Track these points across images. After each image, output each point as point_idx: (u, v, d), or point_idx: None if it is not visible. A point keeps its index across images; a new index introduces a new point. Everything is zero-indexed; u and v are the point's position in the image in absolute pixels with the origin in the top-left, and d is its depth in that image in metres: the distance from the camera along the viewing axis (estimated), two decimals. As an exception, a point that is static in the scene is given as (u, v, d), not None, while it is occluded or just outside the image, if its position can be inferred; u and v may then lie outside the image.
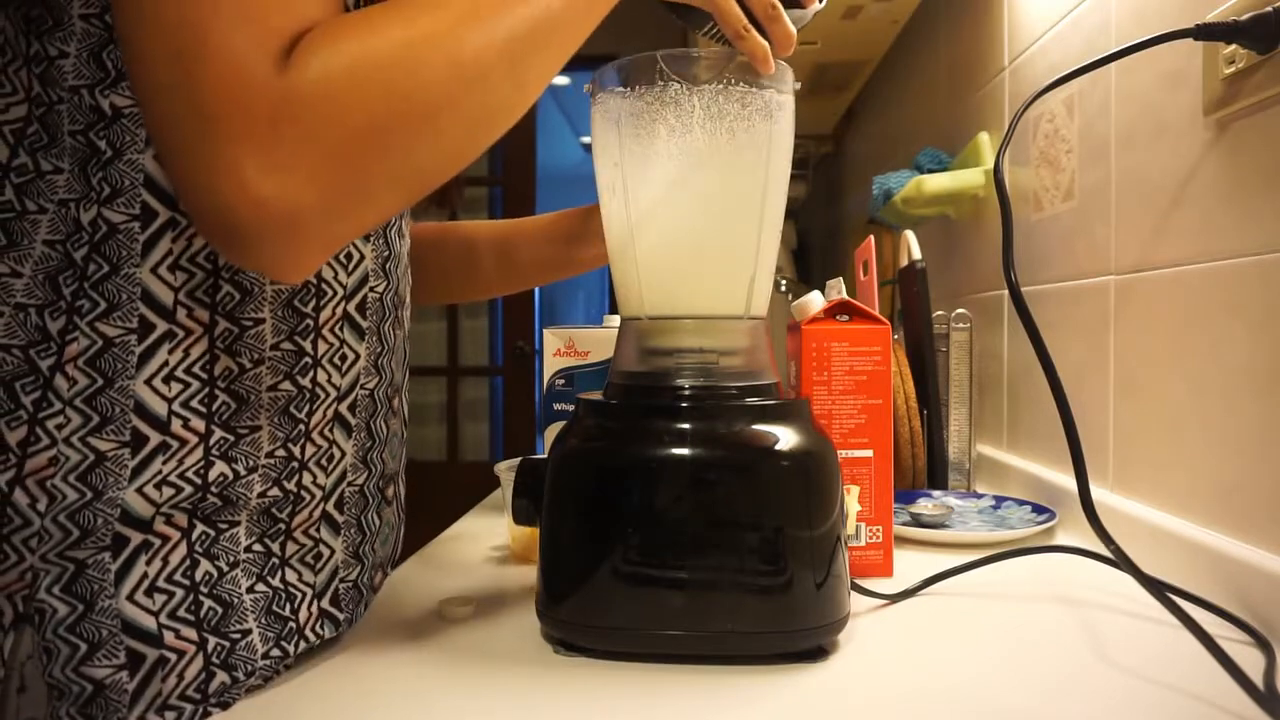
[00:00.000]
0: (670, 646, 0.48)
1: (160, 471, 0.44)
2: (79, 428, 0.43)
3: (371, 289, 0.53)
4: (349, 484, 0.53)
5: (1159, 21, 0.68)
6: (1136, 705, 0.43)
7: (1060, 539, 0.76)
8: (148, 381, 0.44)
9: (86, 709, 0.42)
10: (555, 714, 0.42)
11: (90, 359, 0.43)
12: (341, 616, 0.52)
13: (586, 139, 5.33)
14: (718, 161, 0.52)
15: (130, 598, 0.43)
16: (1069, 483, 0.80)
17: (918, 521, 0.79)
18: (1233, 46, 0.58)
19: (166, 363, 0.45)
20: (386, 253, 0.54)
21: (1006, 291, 0.82)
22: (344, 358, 0.52)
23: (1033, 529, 0.76)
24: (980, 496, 0.89)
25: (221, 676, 0.45)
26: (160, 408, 0.44)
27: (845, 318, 0.66)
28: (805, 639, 0.48)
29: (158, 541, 0.44)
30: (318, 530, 0.51)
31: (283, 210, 0.37)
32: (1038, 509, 0.81)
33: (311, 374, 0.50)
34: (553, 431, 0.84)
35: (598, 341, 0.85)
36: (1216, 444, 0.61)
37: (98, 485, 0.43)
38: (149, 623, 0.43)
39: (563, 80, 4.27)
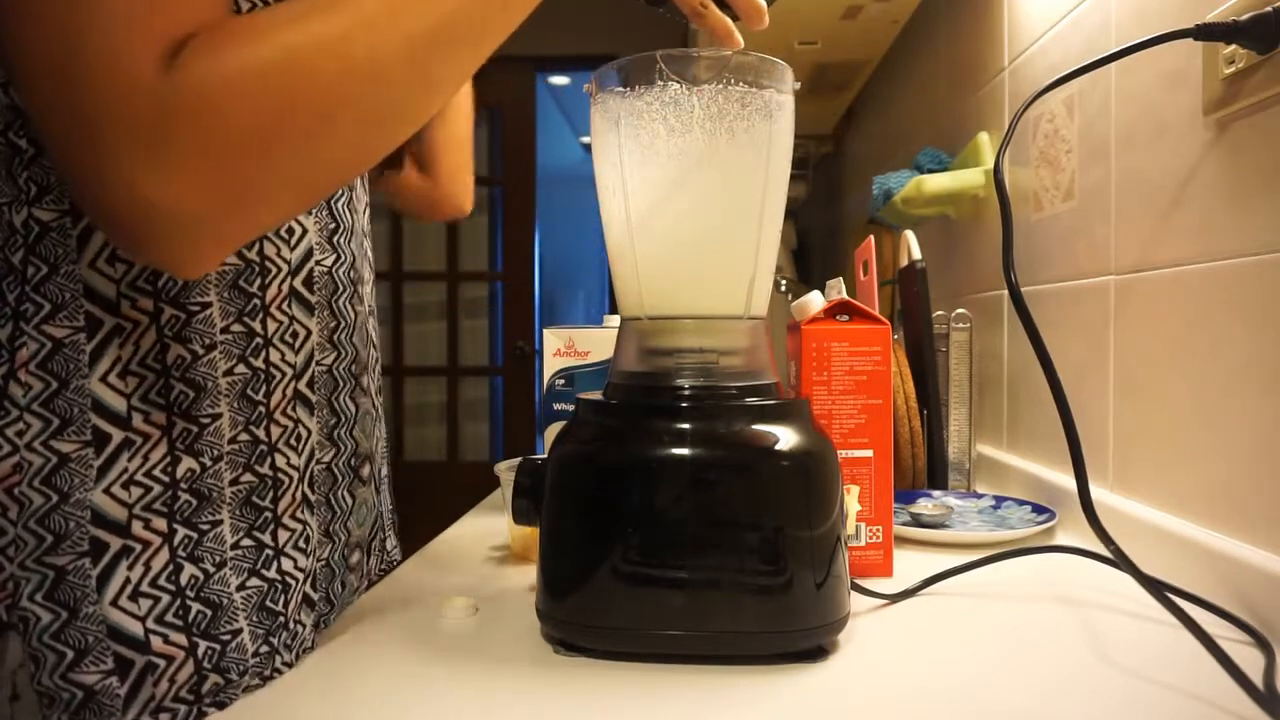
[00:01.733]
0: (670, 646, 0.48)
1: (126, 469, 0.44)
2: (39, 432, 0.43)
3: (318, 263, 0.53)
4: (317, 462, 0.54)
5: (1159, 21, 0.68)
6: (1136, 705, 0.43)
7: (1060, 539, 0.76)
8: (103, 379, 0.44)
9: (79, 715, 0.42)
10: (555, 714, 0.42)
11: (41, 362, 0.43)
12: (316, 596, 0.53)
13: (586, 139, 5.33)
14: (718, 161, 0.52)
15: (114, 603, 0.43)
16: (1069, 483, 0.80)
17: (918, 521, 0.79)
18: (1233, 46, 0.58)
19: (119, 358, 0.45)
20: (333, 225, 0.54)
21: (1006, 291, 0.82)
22: (295, 334, 0.52)
23: (1033, 529, 0.76)
24: (980, 496, 0.89)
25: (214, 679, 0.45)
26: (119, 404, 0.44)
27: (845, 318, 0.66)
28: (805, 639, 0.48)
29: (138, 547, 0.44)
30: (302, 513, 0.51)
31: (170, 212, 0.37)
32: (1038, 509, 0.81)
33: (264, 354, 0.50)
34: (553, 431, 0.84)
35: (598, 341, 0.85)
36: (1217, 444, 0.61)
37: (62, 488, 0.43)
38: (135, 628, 0.43)
39: (563, 80, 4.27)
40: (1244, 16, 0.56)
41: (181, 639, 0.45)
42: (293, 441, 0.51)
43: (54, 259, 0.43)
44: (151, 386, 0.45)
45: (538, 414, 3.18)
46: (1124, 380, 0.74)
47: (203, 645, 0.45)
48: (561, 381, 0.86)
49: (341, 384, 0.56)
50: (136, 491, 0.45)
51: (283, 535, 0.50)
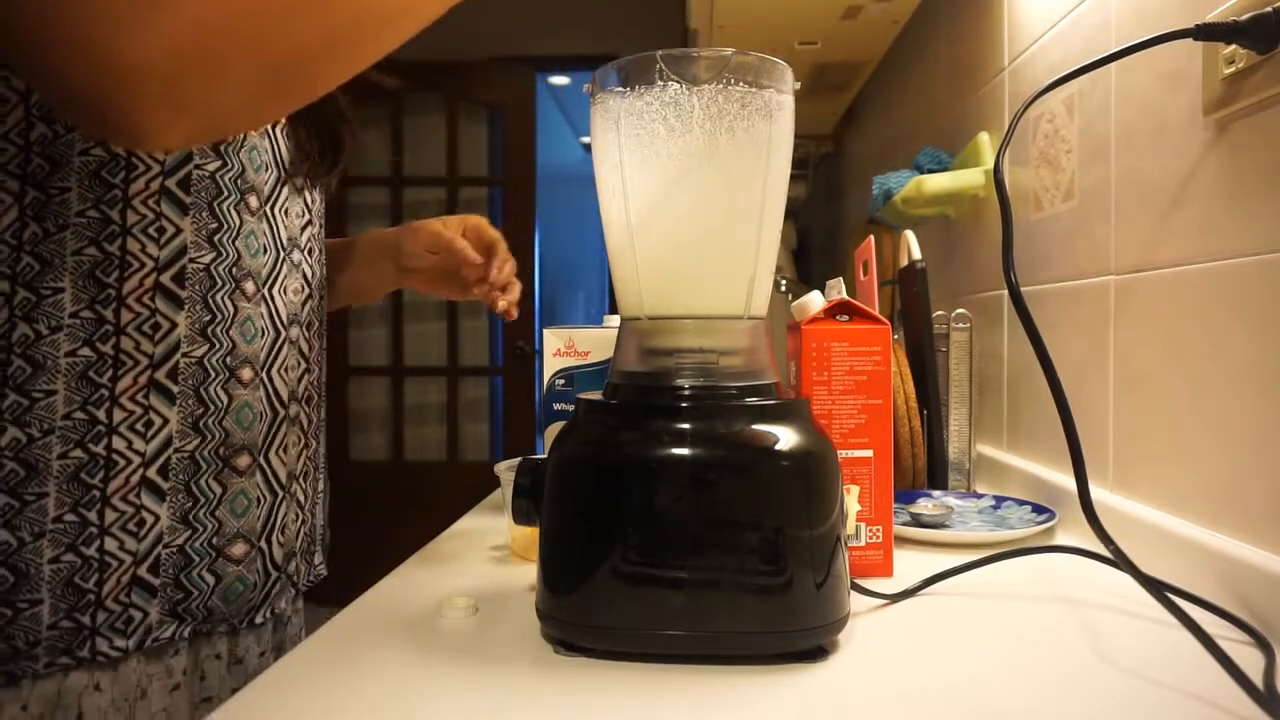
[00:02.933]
0: (670, 646, 0.48)
1: None
2: None
3: (192, 260, 0.55)
4: (175, 450, 0.55)
5: (1159, 21, 0.68)
6: (1136, 705, 0.43)
7: (1060, 539, 0.76)
8: None
9: None
10: (555, 714, 0.42)
11: None
12: (157, 582, 0.54)
13: (586, 139, 5.34)
14: (717, 162, 0.52)
15: None
16: (1069, 483, 0.80)
17: (918, 521, 0.79)
18: (1233, 46, 0.58)
19: None
20: (214, 225, 0.57)
21: (1006, 291, 0.82)
22: (156, 326, 0.54)
23: (1033, 529, 0.76)
24: (980, 496, 0.89)
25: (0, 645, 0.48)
26: None
27: (845, 318, 0.66)
28: (805, 639, 0.48)
29: None
30: (138, 496, 0.53)
31: (131, 68, 0.38)
32: (1038, 509, 0.81)
33: (114, 340, 0.52)
34: (553, 431, 0.84)
35: (598, 341, 0.85)
36: (1216, 443, 0.61)
37: None
38: None
39: (563, 80, 4.27)
40: (1244, 16, 0.56)
41: None
42: (139, 427, 0.54)
43: None
44: None
45: (538, 414, 3.17)
46: (1124, 380, 0.74)
47: None
48: (561, 381, 0.86)
49: (214, 375, 0.57)
50: None
51: (110, 515, 0.52)
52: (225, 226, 0.57)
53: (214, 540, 0.57)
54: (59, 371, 0.51)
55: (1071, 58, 0.84)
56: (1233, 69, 0.58)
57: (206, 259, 0.56)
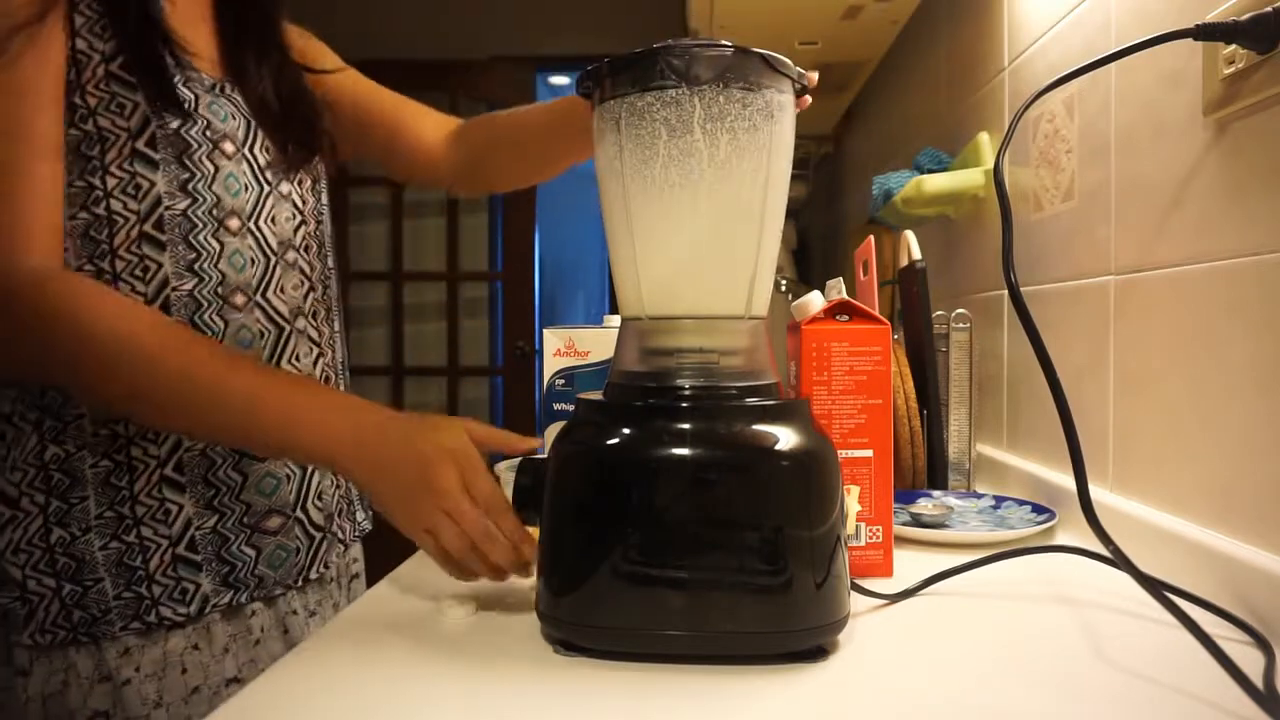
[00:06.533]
0: (670, 646, 0.48)
1: (12, 458, 0.62)
2: None
3: (168, 208, 0.64)
4: (186, 450, 0.65)
5: (1159, 21, 0.68)
6: (1136, 705, 0.43)
7: (1060, 539, 0.76)
8: None
9: (3, 625, 0.63)
10: (555, 714, 0.42)
11: None
12: (198, 558, 0.65)
13: (586, 139, 5.30)
14: (718, 162, 0.51)
15: (3, 556, 0.62)
16: (1069, 483, 0.80)
17: (918, 521, 0.79)
18: (1232, 46, 0.58)
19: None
20: (185, 175, 0.65)
21: (1006, 291, 0.82)
22: (145, 269, 0.63)
23: (1033, 529, 0.76)
24: (980, 496, 0.89)
25: (80, 613, 0.61)
26: (8, 407, 0.63)
27: (845, 318, 0.66)
28: (805, 639, 0.48)
29: (22, 515, 0.62)
30: (160, 491, 0.64)
31: None
32: (1037, 509, 0.81)
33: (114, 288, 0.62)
34: (553, 431, 0.84)
35: (598, 341, 0.85)
36: (1216, 444, 0.61)
37: None
38: (16, 574, 0.62)
39: (563, 80, 4.27)
40: (1244, 16, 0.56)
41: (51, 582, 0.62)
42: (151, 435, 0.64)
43: None
44: (31, 402, 0.63)
45: (538, 414, 3.16)
46: (1124, 380, 0.74)
47: (67, 587, 0.62)
48: (561, 381, 0.86)
49: (205, 305, 0.66)
50: (17, 475, 0.62)
51: (140, 509, 0.63)
52: (197, 175, 0.65)
53: (245, 519, 0.67)
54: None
55: (1071, 58, 0.84)
56: (1233, 69, 0.58)
57: (183, 205, 0.64)
